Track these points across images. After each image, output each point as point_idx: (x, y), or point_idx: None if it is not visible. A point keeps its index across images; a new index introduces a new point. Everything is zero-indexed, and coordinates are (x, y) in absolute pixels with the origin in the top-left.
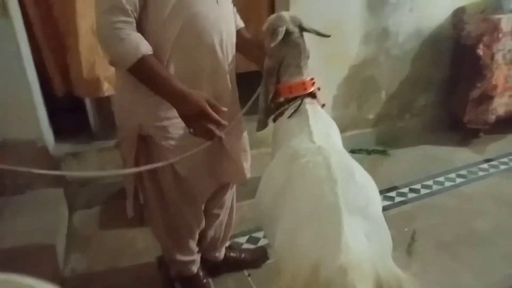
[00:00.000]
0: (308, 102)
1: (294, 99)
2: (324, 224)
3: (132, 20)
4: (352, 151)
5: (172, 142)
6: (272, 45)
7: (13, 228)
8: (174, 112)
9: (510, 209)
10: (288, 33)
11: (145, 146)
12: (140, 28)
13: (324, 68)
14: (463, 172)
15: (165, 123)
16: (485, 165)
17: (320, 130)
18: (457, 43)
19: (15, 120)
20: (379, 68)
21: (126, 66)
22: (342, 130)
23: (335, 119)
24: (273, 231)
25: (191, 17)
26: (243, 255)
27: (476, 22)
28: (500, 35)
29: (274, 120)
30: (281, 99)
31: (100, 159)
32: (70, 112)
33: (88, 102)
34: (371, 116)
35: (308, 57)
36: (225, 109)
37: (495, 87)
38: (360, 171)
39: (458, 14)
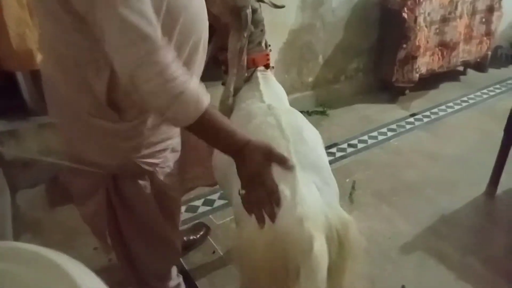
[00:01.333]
0: (259, 70)
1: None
2: (280, 180)
3: (174, 53)
4: None
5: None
6: (245, 35)
7: None
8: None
9: (431, 160)
10: (252, 11)
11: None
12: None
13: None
14: (393, 126)
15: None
16: (411, 119)
17: (269, 92)
18: (384, 9)
19: None
20: (316, 34)
21: (186, 124)
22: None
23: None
24: (230, 191)
25: (184, 18)
26: (187, 238)
27: None
28: None
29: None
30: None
31: (39, 136)
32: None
33: (20, 77)
34: (310, 80)
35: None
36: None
37: (418, 47)
38: (309, 129)
39: None
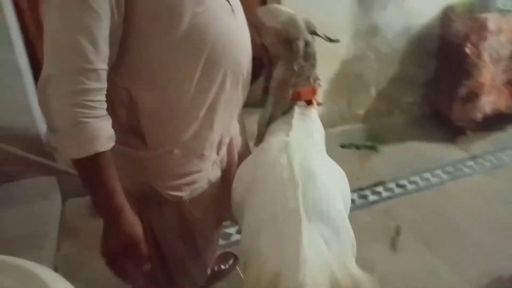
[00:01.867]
0: (299, 105)
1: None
2: (284, 232)
3: (104, 85)
4: (342, 146)
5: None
6: (295, 67)
7: (6, 215)
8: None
9: (492, 206)
10: (304, 43)
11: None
12: (121, 60)
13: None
14: (449, 169)
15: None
16: (470, 163)
17: (300, 127)
18: (444, 41)
19: (8, 108)
20: (369, 65)
21: (69, 156)
22: (332, 125)
23: (325, 114)
24: (241, 227)
25: (212, 44)
26: (216, 267)
27: (463, 21)
28: (487, 34)
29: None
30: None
31: None
32: None
33: None
34: (361, 112)
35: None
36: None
37: (482, 85)
38: (325, 172)
39: (447, 13)
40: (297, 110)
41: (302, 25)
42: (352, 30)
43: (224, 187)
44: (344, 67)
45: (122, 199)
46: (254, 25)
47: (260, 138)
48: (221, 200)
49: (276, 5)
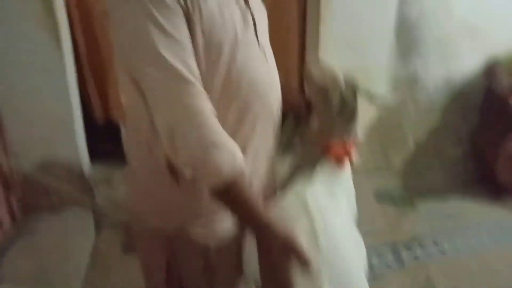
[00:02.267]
0: (328, 162)
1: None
2: None
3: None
4: (377, 196)
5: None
6: (327, 119)
7: (39, 245)
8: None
9: None
10: (341, 97)
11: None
12: None
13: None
14: (494, 230)
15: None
16: None
17: (323, 185)
18: (489, 94)
19: (55, 141)
20: (407, 115)
21: (217, 182)
22: (368, 175)
23: (360, 163)
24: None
25: (245, 87)
26: None
27: (509, 74)
28: None
29: None
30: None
31: None
32: (106, 136)
33: (123, 126)
34: (398, 163)
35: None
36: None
37: None
38: (352, 241)
39: (491, 65)
40: (324, 166)
41: (341, 79)
42: (391, 79)
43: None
44: (381, 115)
45: (268, 210)
46: (305, 77)
47: (284, 185)
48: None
49: (325, 62)
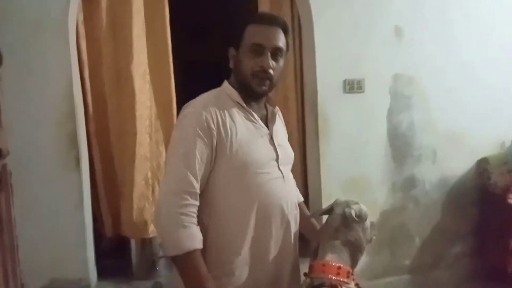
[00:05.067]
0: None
1: (319, 285)
2: None
3: (198, 204)
4: None
5: None
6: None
7: None
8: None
9: None
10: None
11: None
12: (203, 199)
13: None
14: None
15: None
16: None
17: None
18: (484, 193)
19: (66, 260)
20: (409, 215)
21: (175, 253)
22: (377, 276)
23: (368, 265)
24: None
25: (264, 197)
26: None
27: (501, 174)
28: None
29: None
30: (308, 282)
31: None
32: (113, 252)
33: (133, 244)
34: (406, 263)
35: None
36: None
37: None
38: None
39: (482, 165)
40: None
41: (339, 204)
42: (390, 182)
43: None
44: (385, 218)
45: (214, 284)
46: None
47: None
48: None
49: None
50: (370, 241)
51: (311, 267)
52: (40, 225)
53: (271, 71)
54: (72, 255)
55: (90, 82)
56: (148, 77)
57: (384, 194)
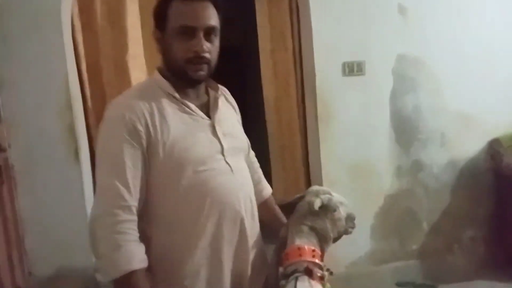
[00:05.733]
0: (301, 280)
1: (292, 272)
2: None
3: (135, 218)
4: (398, 284)
5: None
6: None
7: None
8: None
9: None
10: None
11: None
12: (146, 211)
13: (359, 200)
14: None
15: None
16: None
17: None
18: (497, 175)
19: (71, 249)
20: (417, 200)
21: (112, 277)
22: (385, 261)
23: (376, 250)
24: None
25: (208, 197)
26: None
27: None
28: None
29: None
30: (282, 271)
31: None
32: None
33: None
34: (414, 248)
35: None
36: None
37: None
38: None
39: (494, 147)
40: (300, 280)
41: (310, 192)
42: (394, 166)
43: None
44: (391, 203)
45: None
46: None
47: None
48: None
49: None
50: (345, 233)
51: (286, 255)
52: (46, 215)
53: (207, 55)
54: (77, 244)
55: (88, 74)
56: (145, 68)
57: (390, 178)
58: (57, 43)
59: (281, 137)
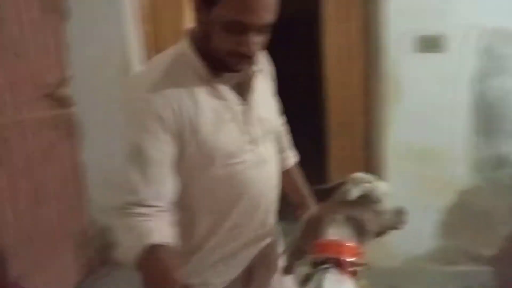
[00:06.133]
0: (330, 273)
1: (322, 262)
2: None
3: (153, 212)
4: None
5: None
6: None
7: None
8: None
9: None
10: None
11: None
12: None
13: (424, 191)
14: None
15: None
16: None
17: None
18: None
19: None
20: (495, 199)
21: (131, 259)
22: (451, 263)
23: (441, 249)
24: None
25: (236, 192)
26: None
27: None
28: None
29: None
30: (313, 259)
31: None
32: None
33: None
34: (487, 253)
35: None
36: None
37: None
38: None
39: None
40: (328, 272)
41: (356, 179)
42: (471, 158)
43: None
44: (463, 199)
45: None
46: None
47: (288, 270)
48: None
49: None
50: (392, 228)
51: (316, 247)
52: (108, 166)
53: (253, 50)
54: None
55: (148, 37)
56: None
57: (462, 172)
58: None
59: (341, 115)
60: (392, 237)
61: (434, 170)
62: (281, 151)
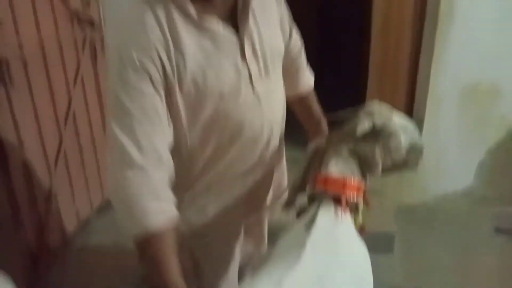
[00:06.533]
0: (327, 204)
1: (320, 197)
2: None
3: (149, 177)
4: (498, 230)
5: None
6: (336, 145)
7: None
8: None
9: None
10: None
11: None
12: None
13: (470, 128)
14: None
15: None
16: None
17: (324, 236)
18: None
19: None
20: None
21: (128, 231)
22: (487, 203)
23: (479, 188)
24: None
25: (231, 134)
26: None
27: None
28: None
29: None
30: (311, 191)
31: None
32: None
33: None
34: None
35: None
36: None
37: None
38: None
39: None
40: (323, 212)
41: (369, 110)
42: None
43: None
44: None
45: (178, 277)
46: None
47: (288, 203)
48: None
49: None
50: (405, 166)
51: (314, 180)
52: None
53: None
54: None
55: None
56: None
57: None
58: None
59: (386, 34)
60: (425, 173)
61: (483, 107)
62: (295, 71)
